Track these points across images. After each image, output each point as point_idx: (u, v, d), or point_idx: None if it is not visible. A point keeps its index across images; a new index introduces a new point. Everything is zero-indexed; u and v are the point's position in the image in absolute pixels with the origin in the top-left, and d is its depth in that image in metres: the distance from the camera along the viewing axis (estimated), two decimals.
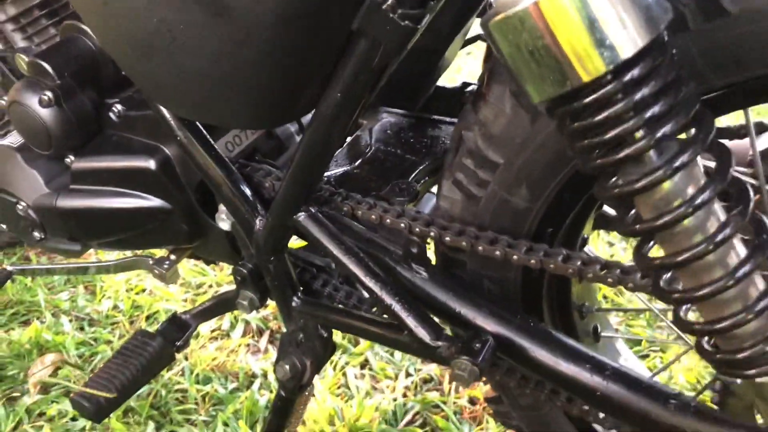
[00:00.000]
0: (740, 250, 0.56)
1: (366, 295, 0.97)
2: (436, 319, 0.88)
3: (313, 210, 0.90)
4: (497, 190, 0.82)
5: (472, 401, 1.40)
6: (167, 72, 0.78)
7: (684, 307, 0.61)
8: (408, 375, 1.48)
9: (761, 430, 0.67)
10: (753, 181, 0.84)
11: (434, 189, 0.97)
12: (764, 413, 0.62)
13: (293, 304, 1.00)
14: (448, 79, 1.18)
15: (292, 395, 1.06)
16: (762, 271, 0.58)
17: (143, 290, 1.71)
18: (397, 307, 0.85)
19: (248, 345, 1.56)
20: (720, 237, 0.54)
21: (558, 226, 0.86)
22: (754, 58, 0.62)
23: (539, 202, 0.81)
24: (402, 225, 0.87)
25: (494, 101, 0.77)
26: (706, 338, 0.62)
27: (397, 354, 1.51)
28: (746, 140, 0.92)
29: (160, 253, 1.13)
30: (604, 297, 1.60)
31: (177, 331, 1.14)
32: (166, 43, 0.74)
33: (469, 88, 1.11)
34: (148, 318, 1.64)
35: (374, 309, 0.96)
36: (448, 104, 1.13)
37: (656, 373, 1.29)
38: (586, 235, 0.94)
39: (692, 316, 0.63)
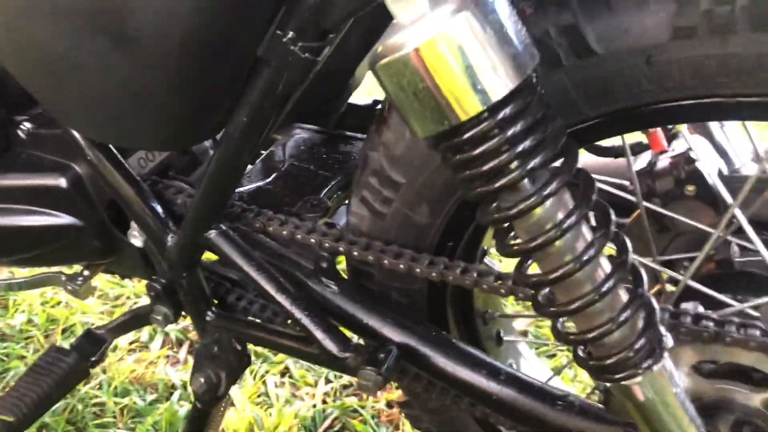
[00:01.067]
0: (606, 266, 0.63)
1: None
2: (347, 332, 0.92)
3: (224, 227, 0.92)
4: (400, 207, 0.87)
5: (390, 405, 1.45)
6: (74, 96, 0.79)
7: (560, 320, 0.67)
8: (328, 381, 1.51)
9: (629, 425, 0.74)
10: (632, 198, 0.92)
11: None
12: (632, 413, 0.69)
13: (207, 318, 1.03)
14: (362, 94, 1.22)
15: (208, 407, 1.08)
16: (625, 285, 0.64)
17: (59, 303, 1.68)
18: (306, 321, 0.88)
19: (167, 356, 1.56)
20: (586, 257, 0.60)
21: (458, 239, 0.91)
22: (621, 92, 0.69)
23: (439, 219, 0.86)
24: (312, 240, 0.91)
25: (395, 126, 0.82)
26: (581, 347, 0.68)
27: None
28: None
29: (74, 268, 1.12)
30: (514, 303, 1.67)
31: (91, 346, 1.14)
32: (72, 69, 0.75)
33: (380, 105, 1.15)
34: (64, 331, 1.62)
35: (289, 322, 0.99)
36: (361, 120, 1.17)
37: (559, 372, 1.38)
38: (486, 247, 1.00)
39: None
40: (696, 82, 0.65)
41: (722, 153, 1.00)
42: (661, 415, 0.68)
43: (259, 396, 1.46)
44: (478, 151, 0.57)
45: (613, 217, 0.62)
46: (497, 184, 0.58)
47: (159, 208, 0.97)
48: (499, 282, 0.82)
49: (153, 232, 0.97)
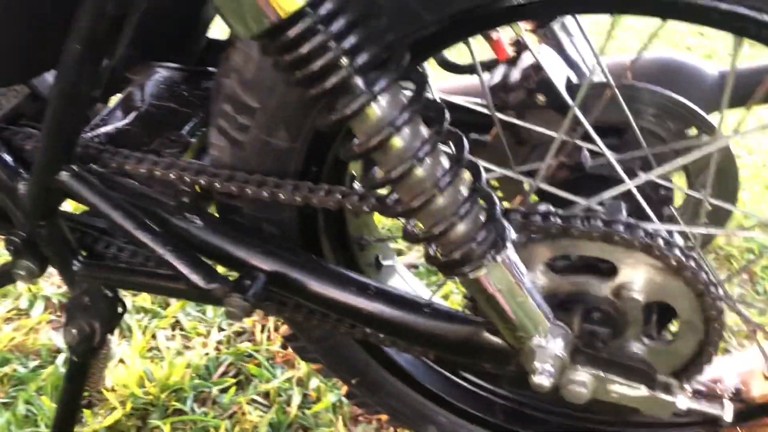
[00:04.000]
0: (444, 163, 0.64)
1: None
2: (217, 266, 0.91)
3: (76, 168, 0.88)
4: (258, 133, 0.85)
5: (285, 346, 1.45)
6: None
7: (410, 222, 0.69)
8: (221, 330, 1.50)
9: (489, 323, 0.77)
10: (488, 113, 0.94)
11: None
12: (485, 308, 0.72)
13: (74, 268, 0.99)
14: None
15: (84, 359, 1.05)
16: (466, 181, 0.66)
17: None
18: (170, 257, 0.86)
19: (50, 321, 1.50)
20: (422, 153, 0.61)
21: (322, 163, 0.91)
22: None
23: (299, 142, 0.86)
24: (172, 176, 0.88)
25: (242, 47, 0.80)
26: (432, 246, 0.70)
27: (209, 311, 1.53)
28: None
29: None
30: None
31: None
32: None
33: None
34: None
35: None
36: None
37: (438, 288, 1.42)
38: (354, 171, 1.00)
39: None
40: None
41: (571, 63, 1.04)
42: (509, 304, 0.71)
43: (149, 350, 1.43)
44: (305, 49, 0.56)
45: (447, 116, 0.63)
46: (329, 83, 0.58)
47: (7, 157, 0.92)
48: (362, 201, 0.83)
49: (4, 182, 0.92)
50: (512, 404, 1.16)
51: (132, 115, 1.04)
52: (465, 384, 1.16)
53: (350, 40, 0.57)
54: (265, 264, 0.87)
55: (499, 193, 1.15)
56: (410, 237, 0.68)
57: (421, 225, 0.67)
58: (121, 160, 0.90)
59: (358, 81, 0.59)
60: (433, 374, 1.15)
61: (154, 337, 1.46)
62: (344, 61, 0.57)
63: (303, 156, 0.88)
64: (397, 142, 0.61)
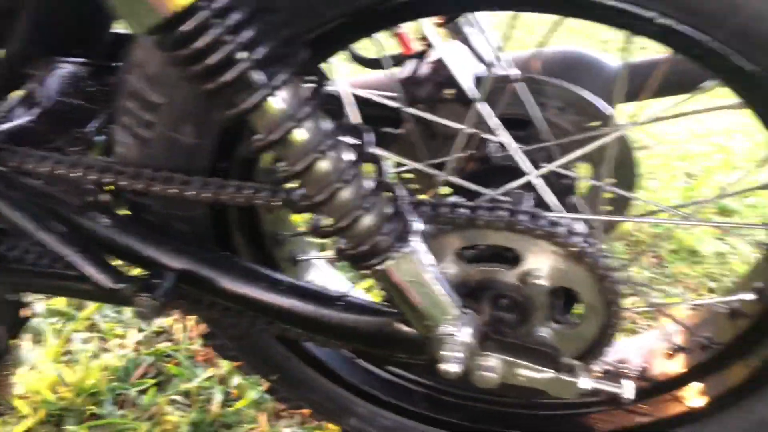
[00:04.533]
0: (348, 157, 0.65)
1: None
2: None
3: None
4: (164, 130, 0.84)
5: (206, 345, 1.43)
6: None
7: (316, 217, 0.69)
8: (140, 330, 1.47)
9: (392, 313, 0.78)
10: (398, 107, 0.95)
11: None
12: (395, 299, 0.73)
13: None
14: None
15: None
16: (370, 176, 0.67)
17: None
18: (75, 258, 0.84)
19: None
20: (324, 146, 0.62)
21: (231, 159, 0.90)
22: None
23: (207, 138, 0.84)
24: (76, 174, 0.86)
25: (144, 42, 0.78)
26: (343, 241, 0.71)
27: (127, 312, 1.49)
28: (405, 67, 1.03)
29: None
30: None
31: None
32: None
33: None
34: None
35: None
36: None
37: (360, 281, 1.43)
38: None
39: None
40: None
41: (481, 58, 1.06)
42: (418, 295, 0.72)
43: (64, 354, 1.39)
44: (200, 43, 0.56)
45: (350, 110, 0.63)
46: (226, 78, 0.58)
47: None
48: (272, 196, 0.83)
49: None
50: (434, 392, 1.19)
51: (34, 112, 1.00)
52: (386, 375, 1.17)
53: (247, 34, 0.56)
54: (174, 262, 0.86)
55: (415, 185, 1.17)
56: (317, 232, 0.69)
57: (328, 219, 0.68)
58: (22, 158, 0.87)
59: (256, 75, 0.59)
60: (354, 367, 1.16)
61: (69, 340, 1.41)
62: (241, 55, 0.57)
63: (211, 152, 0.86)
64: (299, 136, 0.61)
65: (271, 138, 0.61)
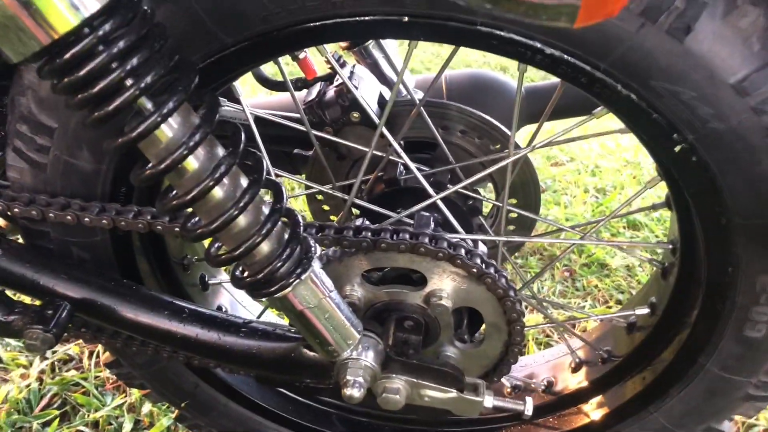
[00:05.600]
0: (242, 183, 0.64)
1: None
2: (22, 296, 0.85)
3: None
4: (59, 154, 0.81)
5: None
6: None
7: (215, 245, 0.68)
8: (44, 359, 1.40)
9: (297, 338, 0.78)
10: (304, 129, 0.95)
11: None
12: (296, 324, 0.72)
13: None
14: None
15: None
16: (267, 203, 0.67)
17: None
18: None
19: None
20: (218, 174, 0.61)
21: (131, 184, 0.88)
22: (251, 17, 0.69)
23: (105, 163, 0.82)
24: None
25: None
26: (239, 269, 0.70)
27: None
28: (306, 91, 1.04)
29: None
30: None
31: None
32: None
33: None
34: None
35: None
36: None
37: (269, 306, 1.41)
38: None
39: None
40: (316, 2, 0.68)
41: (386, 82, 1.08)
42: (319, 320, 0.72)
43: None
44: (85, 70, 0.54)
45: (243, 137, 0.63)
46: (113, 105, 0.56)
47: None
48: (172, 222, 0.81)
49: None
50: (350, 414, 1.18)
51: None
52: (300, 398, 1.16)
53: (134, 61, 0.55)
54: (70, 291, 0.83)
55: (326, 207, 1.17)
56: (212, 260, 0.68)
57: (224, 247, 0.67)
58: None
59: (145, 102, 0.57)
60: (267, 391, 1.14)
61: None
62: (129, 81, 0.56)
63: (110, 177, 0.84)
64: (191, 163, 0.60)
65: (161, 167, 0.59)
